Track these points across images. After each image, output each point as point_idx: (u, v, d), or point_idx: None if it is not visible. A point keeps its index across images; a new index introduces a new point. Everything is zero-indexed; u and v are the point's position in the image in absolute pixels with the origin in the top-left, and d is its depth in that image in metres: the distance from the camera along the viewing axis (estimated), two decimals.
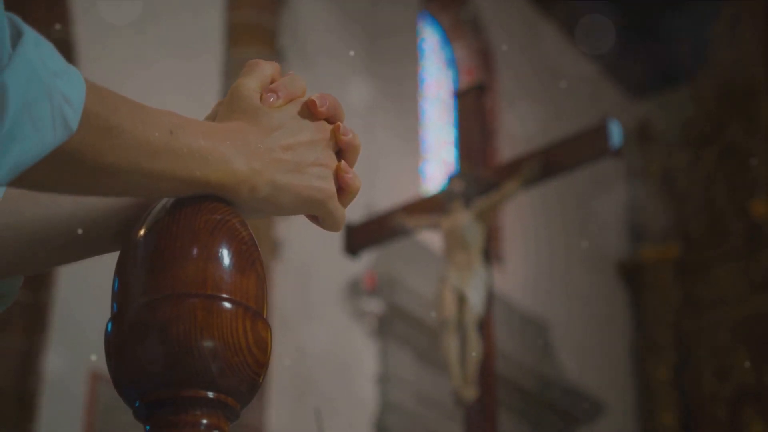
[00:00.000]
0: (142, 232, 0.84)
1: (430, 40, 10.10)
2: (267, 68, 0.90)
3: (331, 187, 0.89)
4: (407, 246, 8.01)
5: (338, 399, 7.24)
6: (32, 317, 5.89)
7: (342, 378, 7.52)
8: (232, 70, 7.26)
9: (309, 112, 0.89)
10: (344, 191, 0.91)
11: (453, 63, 10.27)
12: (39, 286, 5.94)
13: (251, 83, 0.89)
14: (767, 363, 10.24)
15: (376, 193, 7.45)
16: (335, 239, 7.18)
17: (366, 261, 7.73)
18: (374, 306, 7.99)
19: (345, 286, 7.88)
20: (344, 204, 0.91)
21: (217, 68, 7.27)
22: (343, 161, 0.90)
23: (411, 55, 9.38)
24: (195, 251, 0.82)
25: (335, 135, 0.90)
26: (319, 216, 0.91)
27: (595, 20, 10.97)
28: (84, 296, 6.02)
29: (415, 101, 9.33)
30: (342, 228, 0.93)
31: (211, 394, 0.81)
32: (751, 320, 10.38)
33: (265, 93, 0.88)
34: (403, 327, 8.07)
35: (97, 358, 5.99)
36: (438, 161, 9.64)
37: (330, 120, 0.90)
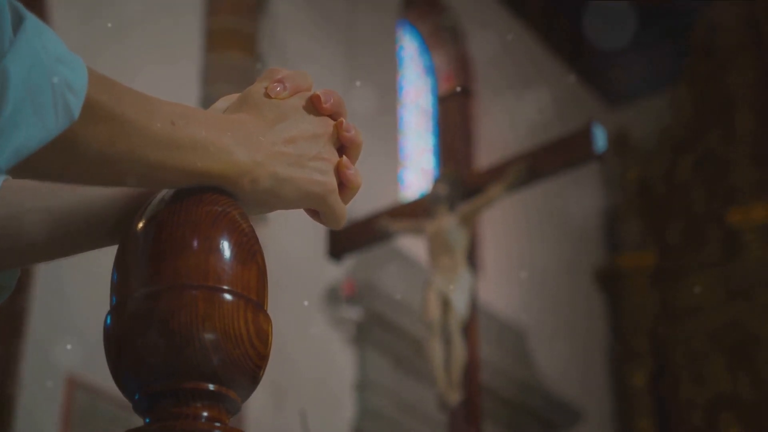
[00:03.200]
0: (142, 223, 0.83)
1: (409, 47, 10.11)
2: (286, 72, 0.90)
3: (332, 181, 0.89)
4: (386, 253, 8.01)
5: (316, 406, 7.22)
6: (9, 323, 5.85)
7: (320, 385, 7.50)
8: (211, 76, 7.24)
9: (313, 107, 0.89)
10: (345, 187, 0.91)
11: (432, 71, 10.29)
12: (16, 291, 5.87)
13: (265, 83, 0.89)
14: (743, 370, 10.30)
15: (354, 201, 7.43)
16: (314, 245, 7.17)
17: (345, 268, 7.72)
18: (353, 313, 7.98)
19: (323, 293, 7.87)
20: (345, 200, 0.91)
21: (195, 74, 7.25)
22: (344, 157, 0.90)
23: (390, 63, 9.39)
24: (196, 242, 0.81)
25: (338, 131, 0.90)
26: (320, 211, 0.91)
27: (573, 28, 11.02)
28: (62, 302, 5.99)
29: (394, 109, 9.34)
30: (343, 224, 0.93)
31: (212, 387, 0.81)
32: (728, 327, 10.44)
33: (272, 83, 0.88)
34: (382, 334, 8.06)
35: (73, 363, 5.96)
36: (417, 169, 9.65)
37: (333, 116, 0.90)
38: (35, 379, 5.84)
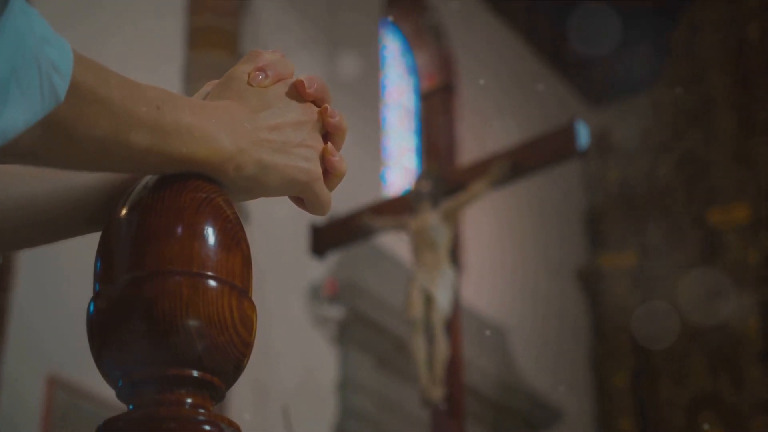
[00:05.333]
0: (125, 209, 0.83)
1: (392, 47, 10.12)
2: (267, 57, 0.90)
3: (317, 169, 0.89)
4: (368, 251, 8.01)
5: (298, 405, 7.21)
6: None
7: (302, 384, 7.49)
8: (194, 74, 7.22)
9: (296, 93, 0.89)
10: (330, 174, 0.90)
11: (414, 70, 10.30)
12: None
13: (247, 68, 0.88)
14: (723, 369, 10.34)
15: (336, 200, 7.40)
16: (296, 243, 7.15)
17: (327, 266, 7.71)
18: (335, 312, 7.97)
19: (305, 292, 7.85)
20: (330, 187, 0.91)
21: (178, 72, 7.23)
22: (329, 144, 0.90)
23: (373, 62, 9.39)
24: (180, 229, 0.81)
25: (322, 117, 0.89)
26: (305, 198, 0.90)
27: (555, 28, 11.04)
28: (42, 302, 5.96)
29: (377, 108, 9.34)
30: (328, 212, 0.93)
31: (196, 373, 0.80)
32: (709, 328, 10.48)
33: (254, 71, 0.88)
34: (364, 333, 8.06)
35: (54, 362, 5.94)
36: (399, 168, 9.66)
37: (317, 102, 0.90)
38: (16, 378, 5.81)
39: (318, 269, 7.64)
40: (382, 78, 9.65)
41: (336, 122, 0.90)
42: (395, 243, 7.99)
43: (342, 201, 7.53)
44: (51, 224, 0.90)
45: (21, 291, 5.95)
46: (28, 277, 5.93)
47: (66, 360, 5.79)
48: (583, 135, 5.46)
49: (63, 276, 5.84)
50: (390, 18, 9.99)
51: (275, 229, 6.90)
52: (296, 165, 0.87)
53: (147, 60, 6.92)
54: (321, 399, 7.74)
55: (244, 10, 7.74)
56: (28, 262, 5.88)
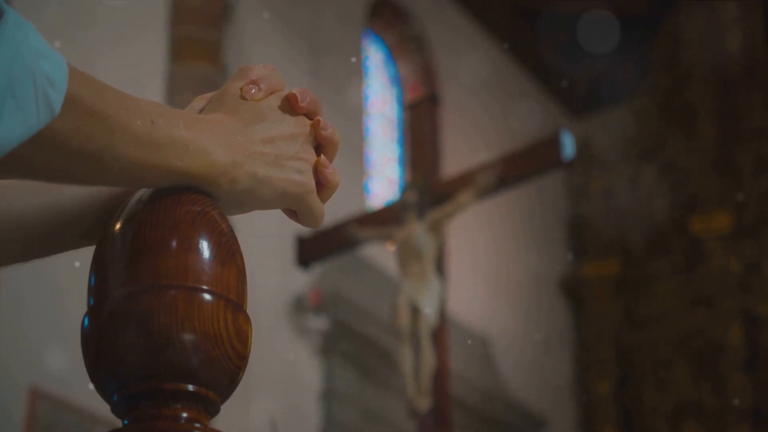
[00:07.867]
0: (120, 223, 0.82)
1: (374, 57, 10.13)
2: (259, 71, 0.90)
3: (311, 181, 0.89)
4: (352, 262, 8.01)
5: (282, 416, 7.20)
6: None
7: (286, 395, 7.48)
8: (176, 86, 7.21)
9: (289, 106, 0.89)
10: (323, 186, 0.90)
11: (397, 80, 10.32)
12: None
13: (239, 84, 0.89)
14: (706, 378, 10.38)
15: None
16: (280, 254, 7.14)
17: (311, 277, 7.70)
18: (319, 323, 7.96)
19: (289, 303, 7.84)
20: (323, 199, 0.91)
21: (160, 83, 7.22)
22: (322, 156, 0.90)
23: (355, 73, 9.40)
24: (175, 242, 0.81)
25: (315, 130, 0.89)
26: (298, 211, 0.90)
27: (538, 39, 11.08)
28: (24, 314, 5.93)
29: (360, 118, 9.35)
30: (321, 224, 0.93)
31: (191, 388, 0.80)
32: (691, 335, 10.52)
33: (246, 85, 0.88)
34: (348, 344, 8.05)
35: (35, 374, 5.91)
36: (382, 178, 9.67)
37: (310, 115, 0.90)
38: None
39: (303, 280, 7.64)
40: (365, 88, 9.66)
41: (329, 134, 0.90)
42: (380, 254, 8.00)
43: (326, 209, 7.52)
44: (45, 238, 0.90)
45: (3, 302, 5.92)
46: (8, 288, 5.90)
47: (49, 371, 5.76)
48: (569, 145, 5.51)
49: (45, 287, 5.82)
50: (373, 28, 10.01)
51: (260, 240, 6.90)
52: (290, 178, 0.87)
53: (129, 72, 6.91)
54: (305, 410, 7.73)
55: (227, 21, 7.74)
56: (11, 273, 5.86)
